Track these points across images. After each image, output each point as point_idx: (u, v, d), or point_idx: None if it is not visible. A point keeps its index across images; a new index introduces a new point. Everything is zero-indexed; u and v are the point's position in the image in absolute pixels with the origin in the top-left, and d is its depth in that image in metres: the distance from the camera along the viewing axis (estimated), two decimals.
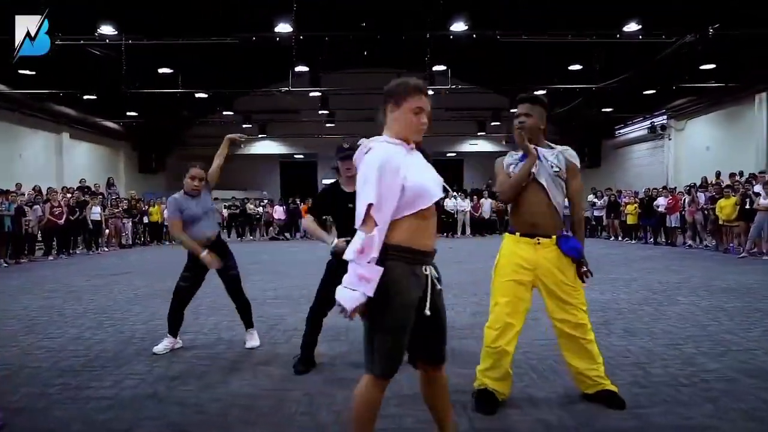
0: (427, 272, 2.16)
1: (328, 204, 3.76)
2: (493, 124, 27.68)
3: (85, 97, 20.02)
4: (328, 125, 27.95)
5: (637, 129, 23.97)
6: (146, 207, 17.00)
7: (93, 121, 22.52)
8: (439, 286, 2.20)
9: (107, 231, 14.89)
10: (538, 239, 2.97)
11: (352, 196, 3.72)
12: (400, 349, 2.13)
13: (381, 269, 2.01)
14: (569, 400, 3.11)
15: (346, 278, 2.03)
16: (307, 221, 3.82)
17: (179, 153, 29.32)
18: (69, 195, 13.60)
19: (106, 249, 14.66)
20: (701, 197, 13.15)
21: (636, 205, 15.70)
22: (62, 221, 12.69)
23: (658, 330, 4.76)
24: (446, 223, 19.38)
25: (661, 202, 14.19)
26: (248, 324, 4.45)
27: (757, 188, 10.97)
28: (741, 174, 13.98)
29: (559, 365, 3.75)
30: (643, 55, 15.89)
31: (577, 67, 18.39)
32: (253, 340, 4.41)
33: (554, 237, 3.00)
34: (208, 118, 26.48)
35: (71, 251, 13.37)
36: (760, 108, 17.18)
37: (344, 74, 22.36)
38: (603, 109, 22.53)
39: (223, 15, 15.90)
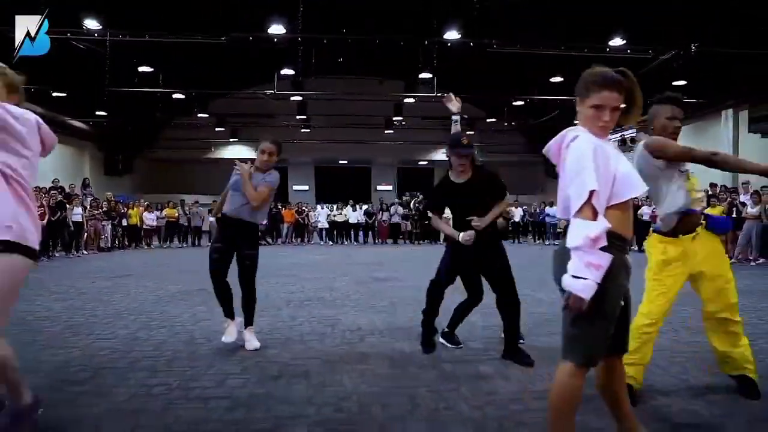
0: (630, 261, 2.18)
1: (443, 198, 3.80)
2: (468, 133, 28.07)
3: (55, 94, 19.20)
4: (303, 131, 27.73)
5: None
6: (125, 209, 16.34)
7: (61, 119, 21.56)
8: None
9: (85, 233, 14.22)
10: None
11: (462, 187, 3.75)
12: (606, 338, 2.12)
13: (611, 256, 2.00)
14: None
15: (572, 267, 1.99)
16: (435, 220, 3.89)
17: (147, 155, 28.45)
18: (46, 195, 12.89)
19: (86, 252, 14.00)
20: None
21: None
22: (44, 222, 12.04)
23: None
24: (430, 230, 19.47)
25: (646, 211, 14.72)
26: (248, 322, 4.14)
27: (744, 198, 11.56)
28: (724, 187, 14.70)
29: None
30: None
31: (558, 79, 18.96)
32: (254, 341, 4.08)
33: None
34: (183, 119, 25.81)
35: (50, 254, 12.70)
36: (726, 123, 18.17)
37: (325, 80, 22.31)
38: (575, 122, 23.24)
39: (212, 15, 15.59)
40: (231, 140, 28.02)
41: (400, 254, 14.35)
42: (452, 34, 14.64)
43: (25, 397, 2.46)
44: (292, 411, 2.85)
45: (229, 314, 4.18)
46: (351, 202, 19.62)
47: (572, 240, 2.01)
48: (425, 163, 32.68)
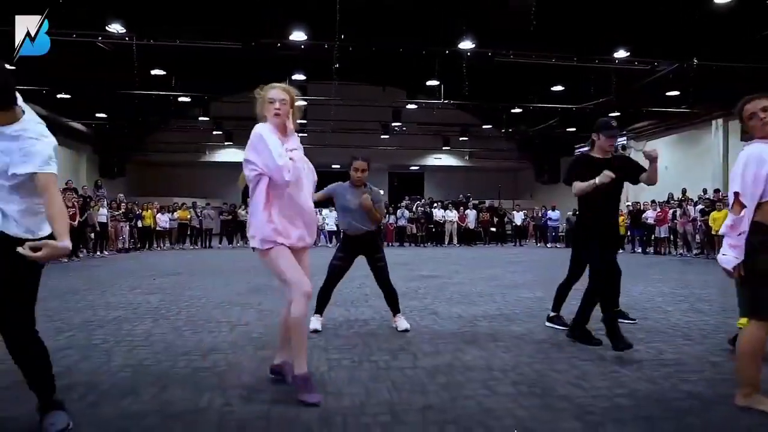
0: None
1: (582, 171, 4.09)
2: (461, 139, 28.74)
3: (59, 96, 19.09)
4: (300, 135, 27.91)
5: None
6: (139, 211, 16.39)
7: (60, 121, 21.38)
8: None
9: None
10: None
11: (604, 164, 4.11)
12: None
13: (743, 239, 2.66)
14: None
15: (722, 248, 2.78)
16: (578, 184, 4.02)
17: (139, 160, 28.30)
18: (74, 197, 12.93)
19: (106, 253, 14.04)
20: (691, 210, 14.55)
21: (623, 216, 16.99)
22: (76, 223, 12.11)
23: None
24: (435, 233, 20.00)
25: (650, 215, 15.52)
26: (396, 310, 4.74)
27: None
28: (717, 191, 15.61)
29: None
30: (626, 81, 17.36)
31: (559, 88, 19.70)
32: (403, 323, 4.65)
33: None
34: (180, 122, 25.78)
35: (74, 256, 12.72)
36: (716, 133, 19.20)
37: (329, 85, 22.63)
38: (568, 129, 24.09)
39: (229, 21, 15.80)
40: (226, 144, 28.05)
41: (414, 256, 14.78)
42: (466, 44, 15.16)
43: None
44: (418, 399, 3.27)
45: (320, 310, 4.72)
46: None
47: (721, 229, 2.84)
48: (417, 168, 33.24)
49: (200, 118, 24.52)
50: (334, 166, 32.80)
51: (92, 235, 13.15)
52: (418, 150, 30.60)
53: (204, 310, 5.60)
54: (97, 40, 13.72)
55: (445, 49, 15.09)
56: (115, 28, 13.74)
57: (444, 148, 30.55)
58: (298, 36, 14.70)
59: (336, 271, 4.68)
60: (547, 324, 4.75)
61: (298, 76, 18.85)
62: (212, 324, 4.88)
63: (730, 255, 2.71)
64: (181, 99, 20.44)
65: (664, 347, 4.02)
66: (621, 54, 15.67)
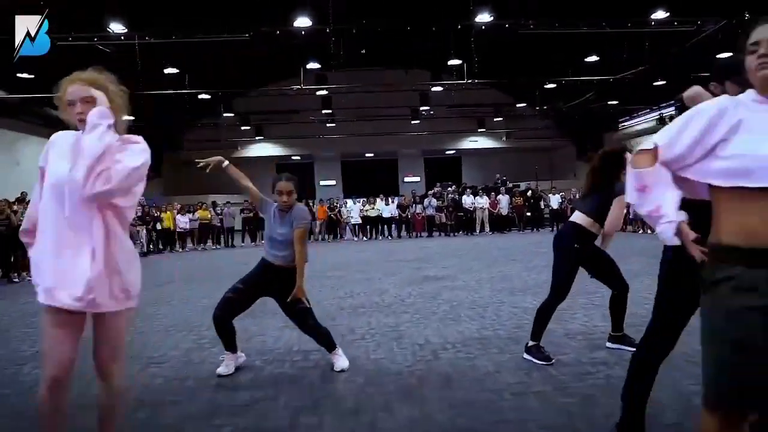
0: None
1: None
2: (495, 120, 27.40)
3: None
4: (328, 125, 27.39)
5: (644, 121, 23.93)
6: (158, 213, 16.23)
7: None
8: None
9: None
10: None
11: None
12: None
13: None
14: None
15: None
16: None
17: (173, 158, 28.49)
18: None
19: None
20: None
21: None
22: None
23: None
24: (465, 220, 19.00)
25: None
26: (330, 348, 3.80)
27: None
28: None
29: None
30: (665, 46, 15.72)
31: (594, 58, 18.17)
32: (340, 362, 3.77)
33: None
34: (208, 120, 25.71)
35: None
36: None
37: (349, 72, 21.85)
38: (608, 102, 22.36)
39: (234, 11, 15.27)
40: (257, 138, 27.83)
41: (439, 248, 13.92)
42: (483, 17, 14.00)
43: None
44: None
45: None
46: (381, 195, 19.20)
47: None
48: (452, 152, 32.09)
49: (224, 115, 24.31)
50: (367, 155, 32.36)
51: None
52: (452, 133, 29.49)
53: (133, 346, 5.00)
54: (95, 42, 13.41)
55: (457, 24, 13.97)
56: (115, 28, 13.42)
57: (479, 130, 29.30)
58: (303, 22, 13.97)
59: (226, 305, 3.70)
60: (525, 356, 3.85)
61: (313, 65, 18.15)
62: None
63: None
64: (201, 96, 20.15)
65: None
66: (659, 15, 14.11)
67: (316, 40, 15.31)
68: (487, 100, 25.90)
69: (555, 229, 19.31)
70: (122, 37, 13.48)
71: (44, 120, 19.05)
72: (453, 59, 17.36)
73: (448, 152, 32.04)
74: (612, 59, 17.15)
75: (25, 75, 15.68)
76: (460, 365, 3.81)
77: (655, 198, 1.73)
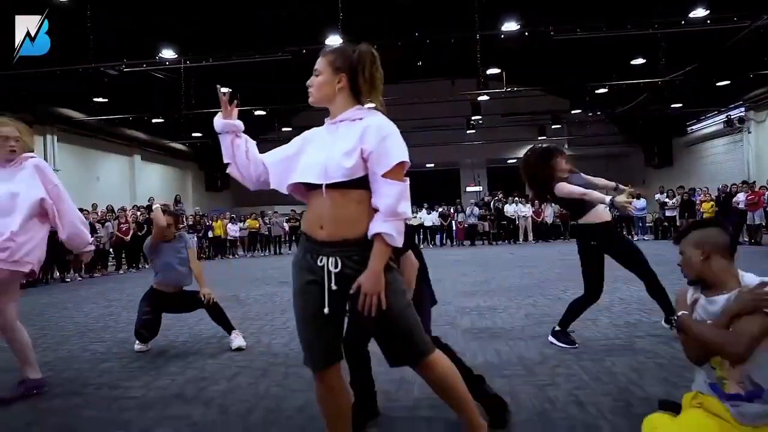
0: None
1: None
2: (554, 127, 26.78)
3: (153, 120, 21.16)
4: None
5: (712, 124, 22.46)
6: (210, 222, 17.54)
7: (162, 143, 23.72)
8: None
9: None
10: None
11: None
12: None
13: None
14: (624, 405, 2.77)
15: None
16: None
17: None
18: (138, 212, 14.19)
19: None
20: None
21: (712, 203, 14.60)
22: (128, 237, 13.26)
23: None
24: (507, 228, 18.83)
25: (741, 198, 13.10)
26: (228, 328, 4.42)
27: None
28: None
29: (615, 367, 3.41)
30: (712, 43, 14.86)
31: (641, 60, 17.47)
32: (237, 341, 4.31)
33: None
34: (268, 135, 27.19)
35: (140, 266, 13.94)
36: None
37: (397, 86, 22.38)
38: (672, 105, 21.22)
39: (273, 31, 16.29)
40: None
41: (466, 258, 13.98)
42: (510, 25, 14.02)
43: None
44: (182, 411, 2.89)
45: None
46: (425, 205, 19.48)
47: None
48: (514, 161, 31.63)
49: (283, 129, 25.61)
50: (428, 165, 32.66)
51: None
52: (509, 142, 29.12)
53: (115, 327, 5.72)
54: (150, 69, 14.87)
55: (500, 31, 14.01)
56: (167, 54, 14.83)
57: (540, 137, 28.72)
58: (334, 40, 14.68)
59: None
60: (550, 339, 4.04)
61: None
62: None
63: None
64: (257, 113, 21.46)
65: None
66: (699, 13, 13.44)
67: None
68: (542, 107, 25.44)
69: None
70: (167, 62, 14.78)
71: (119, 138, 21.26)
72: (491, 68, 17.36)
73: (510, 161, 31.64)
74: (658, 61, 16.38)
75: (99, 99, 17.68)
76: None
77: None
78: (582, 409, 2.71)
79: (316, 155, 1.95)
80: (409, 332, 1.93)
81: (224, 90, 2.04)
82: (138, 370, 3.81)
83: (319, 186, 1.88)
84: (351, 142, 1.88)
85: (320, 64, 2.01)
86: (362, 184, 1.88)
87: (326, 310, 1.88)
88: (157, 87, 17.45)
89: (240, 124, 2.09)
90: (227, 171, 2.12)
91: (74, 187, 17.90)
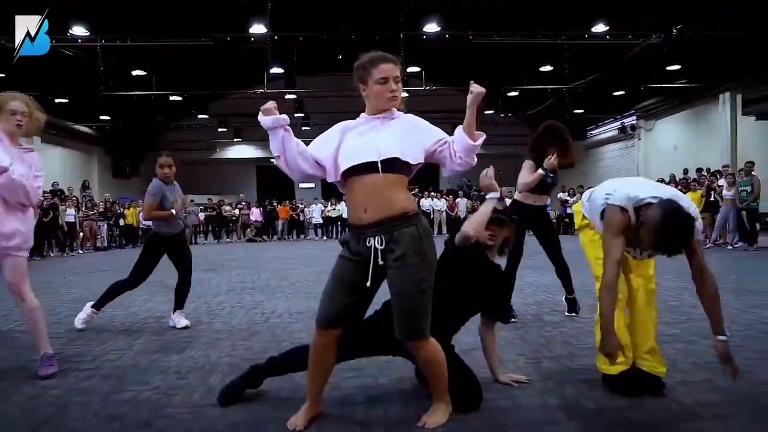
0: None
1: None
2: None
3: (57, 100, 19.82)
4: (304, 128, 27.98)
5: (608, 130, 24.62)
6: (121, 209, 16.83)
7: (65, 125, 22.24)
8: None
9: (81, 233, 14.72)
10: None
11: None
12: None
13: None
14: (535, 362, 3.28)
15: None
16: None
17: (152, 158, 29.12)
18: (42, 197, 13.37)
19: (81, 251, 14.49)
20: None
21: None
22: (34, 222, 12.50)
23: None
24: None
25: None
26: (179, 306, 4.57)
27: (722, 182, 11.43)
28: (708, 170, 14.52)
29: (528, 335, 3.95)
30: (611, 56, 16.38)
31: (548, 68, 18.85)
32: (182, 321, 4.48)
33: None
34: (183, 122, 26.31)
35: (44, 254, 13.19)
36: (723, 107, 17.81)
37: (319, 77, 22.49)
38: (575, 111, 23.00)
39: (197, 16, 15.91)
40: (235, 140, 28.44)
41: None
42: (431, 27, 14.70)
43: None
44: (140, 378, 3.05)
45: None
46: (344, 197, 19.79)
47: None
48: None
49: (200, 116, 24.93)
50: None
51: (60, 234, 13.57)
52: None
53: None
54: (59, 45, 14.02)
55: (423, 32, 14.63)
56: (79, 31, 14.05)
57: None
58: (258, 29, 14.64)
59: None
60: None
61: (277, 70, 18.76)
62: None
63: None
64: (172, 98, 20.77)
65: None
66: (600, 28, 14.79)
67: (275, 47, 15.90)
68: (460, 106, 26.45)
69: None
70: (79, 40, 14.04)
71: None
72: (411, 66, 17.97)
73: None
74: (561, 70, 17.78)
75: None
76: None
77: None
78: (502, 366, 3.18)
79: (363, 141, 2.27)
80: (418, 312, 2.20)
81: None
82: (82, 347, 3.86)
83: (366, 171, 2.19)
84: (398, 130, 2.26)
85: (398, 71, 2.29)
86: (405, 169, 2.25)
87: (368, 284, 2.21)
88: (64, 65, 16.41)
89: (286, 117, 2.29)
90: (275, 163, 2.35)
91: None
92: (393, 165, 2.20)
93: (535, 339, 3.83)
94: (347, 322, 2.31)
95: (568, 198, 18.31)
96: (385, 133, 2.26)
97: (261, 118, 2.26)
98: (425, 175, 20.74)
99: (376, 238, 2.18)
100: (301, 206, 19.98)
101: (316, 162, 2.36)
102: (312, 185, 33.09)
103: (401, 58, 16.25)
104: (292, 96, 22.18)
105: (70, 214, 13.90)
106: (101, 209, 15.76)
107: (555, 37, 15.26)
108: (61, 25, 13.97)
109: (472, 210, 19.94)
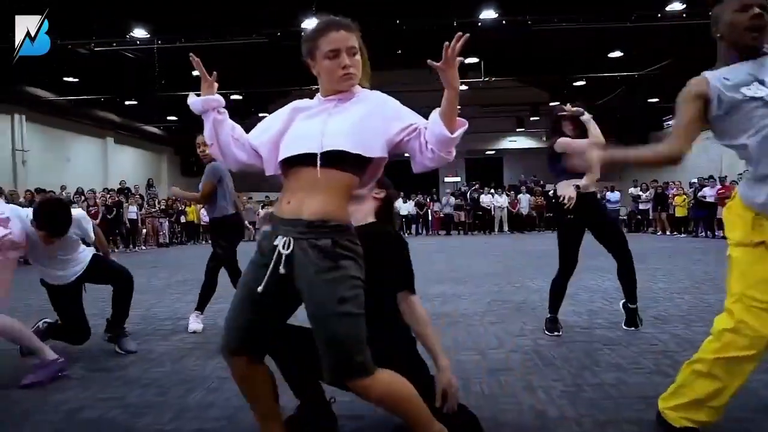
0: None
1: None
2: (532, 119, 26.87)
3: (126, 102, 20.65)
4: None
5: None
6: (183, 207, 17.25)
7: (135, 126, 23.19)
8: None
9: (144, 230, 15.17)
10: None
11: None
12: None
13: None
14: (575, 390, 2.73)
15: None
16: None
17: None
18: (107, 195, 13.89)
19: (144, 247, 14.93)
20: None
21: (684, 196, 14.79)
22: (97, 220, 12.95)
23: (695, 318, 4.28)
24: (483, 219, 18.87)
25: (708, 192, 13.29)
26: (198, 307, 4.39)
27: None
28: None
29: (572, 353, 3.37)
30: (688, 38, 14.97)
31: (618, 54, 17.56)
32: (193, 325, 4.28)
33: None
34: (245, 121, 26.80)
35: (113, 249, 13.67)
36: None
37: (375, 74, 22.19)
38: (648, 100, 21.44)
39: (250, 13, 15.97)
40: None
41: (434, 248, 13.97)
42: (489, 13, 13.96)
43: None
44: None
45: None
46: (401, 194, 19.43)
47: None
48: (493, 152, 31.71)
49: (260, 114, 25.26)
50: (406, 155, 32.58)
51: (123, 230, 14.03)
52: (489, 134, 29.14)
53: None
54: (121, 48, 14.47)
55: (473, 20, 13.93)
56: (139, 33, 14.42)
57: (518, 129, 28.81)
58: (310, 24, 14.45)
59: None
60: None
61: None
62: None
63: None
64: (233, 97, 21.07)
65: None
66: (676, 6, 13.54)
67: None
68: (522, 99, 25.46)
69: None
70: (138, 42, 14.38)
71: (91, 120, 20.72)
72: (469, 58, 17.26)
73: (488, 152, 31.70)
74: (633, 55, 16.50)
75: (70, 78, 17.18)
76: None
77: None
78: (532, 394, 2.66)
79: (307, 127, 1.79)
80: (342, 342, 1.63)
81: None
82: (79, 352, 3.67)
83: (304, 163, 1.72)
84: (356, 115, 1.76)
85: (354, 40, 1.79)
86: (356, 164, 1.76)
87: (260, 288, 1.70)
88: (129, 67, 17.00)
89: (220, 98, 1.87)
90: (208, 152, 1.96)
91: (42, 168, 17.48)
92: (338, 160, 1.70)
93: (579, 359, 3.24)
94: (257, 344, 1.83)
95: (641, 193, 17.01)
96: (337, 119, 1.77)
97: (190, 101, 1.86)
98: (485, 169, 20.19)
99: (284, 239, 1.69)
100: None
101: (254, 150, 1.88)
102: None
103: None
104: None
105: (132, 212, 14.34)
106: (163, 207, 16.18)
107: (624, 19, 14.09)
108: (122, 27, 14.45)
109: (535, 206, 19.02)
